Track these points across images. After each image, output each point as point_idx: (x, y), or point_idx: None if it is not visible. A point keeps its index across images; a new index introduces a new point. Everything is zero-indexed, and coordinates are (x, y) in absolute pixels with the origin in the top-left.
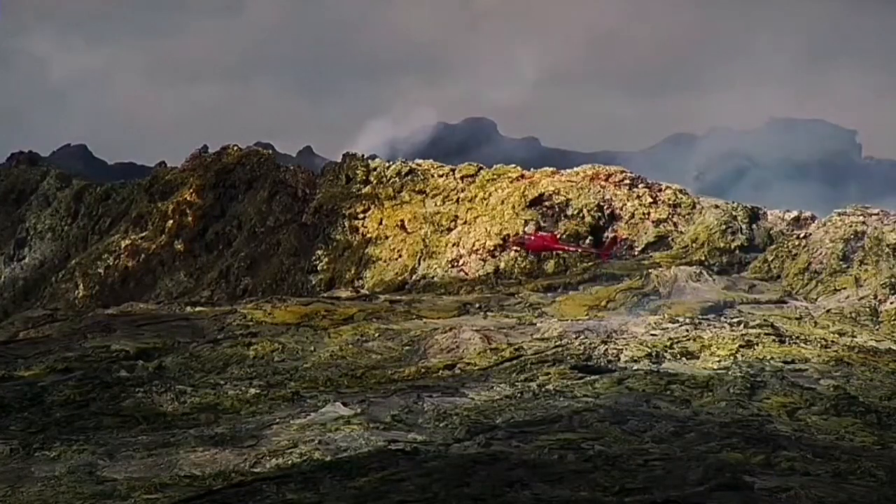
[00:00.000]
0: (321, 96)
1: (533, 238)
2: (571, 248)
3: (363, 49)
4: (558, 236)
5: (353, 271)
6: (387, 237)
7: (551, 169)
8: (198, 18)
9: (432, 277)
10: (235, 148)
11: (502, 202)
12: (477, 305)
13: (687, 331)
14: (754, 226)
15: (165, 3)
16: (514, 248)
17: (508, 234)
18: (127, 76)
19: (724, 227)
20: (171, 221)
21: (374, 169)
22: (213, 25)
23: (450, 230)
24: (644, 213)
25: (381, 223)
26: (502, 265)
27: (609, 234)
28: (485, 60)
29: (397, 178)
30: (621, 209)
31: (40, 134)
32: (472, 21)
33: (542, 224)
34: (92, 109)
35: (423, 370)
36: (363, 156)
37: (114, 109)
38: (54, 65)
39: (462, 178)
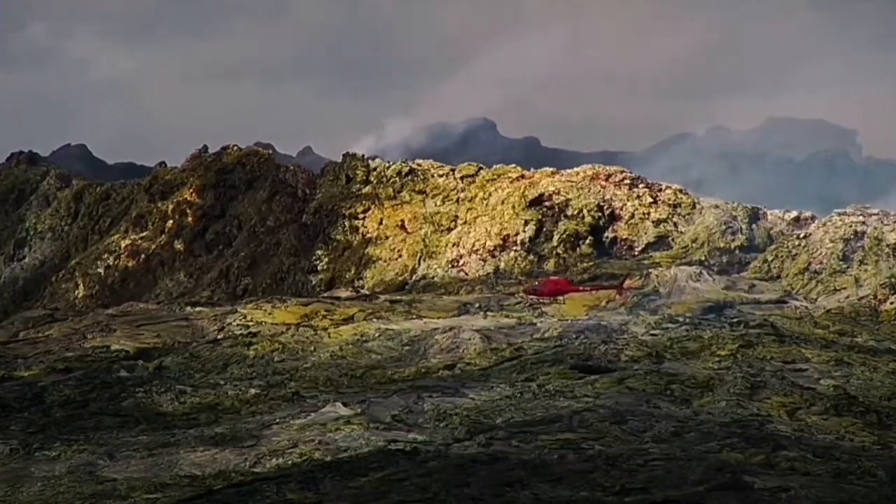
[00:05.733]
0: (346, 97)
1: (544, 285)
2: (586, 290)
3: (394, 50)
4: (570, 279)
5: (353, 271)
6: (387, 237)
7: (551, 169)
8: (242, 19)
9: (432, 277)
10: (235, 148)
11: (502, 202)
12: (477, 305)
13: (687, 331)
14: (754, 226)
15: (211, 4)
16: (530, 297)
17: (508, 235)
18: (161, 78)
19: (724, 227)
20: (171, 221)
21: (374, 169)
22: (257, 26)
23: (450, 230)
24: (644, 213)
25: (381, 223)
26: (502, 265)
27: (609, 234)
28: (490, 61)
29: (397, 178)
30: (621, 209)
31: (75, 132)
32: (501, 23)
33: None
34: (128, 110)
35: (423, 370)
36: (363, 156)
37: (146, 110)
38: (92, 66)
39: (462, 178)
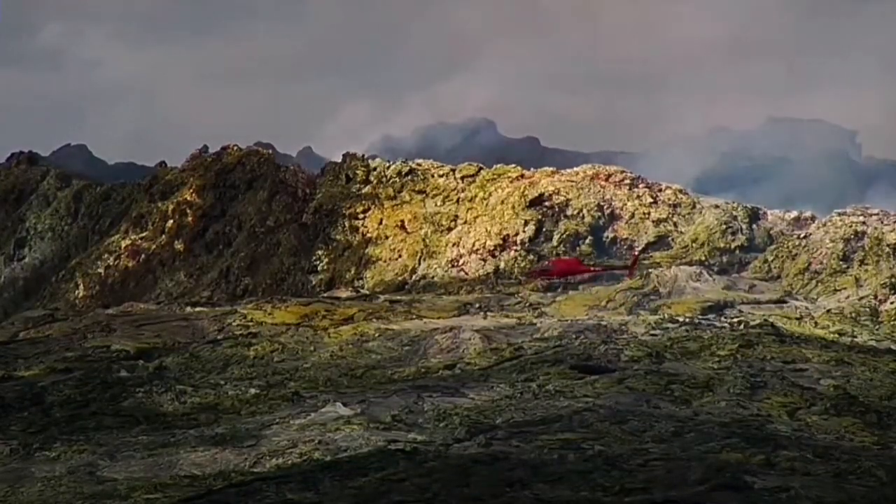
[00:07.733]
0: (347, 97)
1: (554, 264)
2: (598, 270)
3: (395, 50)
4: (582, 259)
5: (353, 271)
6: (387, 237)
7: (551, 169)
8: (249, 21)
9: (432, 277)
10: (235, 148)
11: (502, 202)
12: (477, 305)
13: (687, 331)
14: (754, 226)
15: (219, 6)
16: (540, 278)
17: (508, 235)
18: (169, 79)
19: (724, 227)
20: (171, 221)
21: (374, 169)
22: (263, 27)
23: (450, 230)
24: (644, 213)
25: (381, 223)
26: (502, 265)
27: (609, 234)
28: (492, 61)
29: (397, 178)
30: (621, 209)
31: (92, 134)
32: (503, 23)
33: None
34: (136, 110)
35: (423, 370)
36: (363, 156)
37: (154, 110)
38: (103, 67)
39: (462, 178)
